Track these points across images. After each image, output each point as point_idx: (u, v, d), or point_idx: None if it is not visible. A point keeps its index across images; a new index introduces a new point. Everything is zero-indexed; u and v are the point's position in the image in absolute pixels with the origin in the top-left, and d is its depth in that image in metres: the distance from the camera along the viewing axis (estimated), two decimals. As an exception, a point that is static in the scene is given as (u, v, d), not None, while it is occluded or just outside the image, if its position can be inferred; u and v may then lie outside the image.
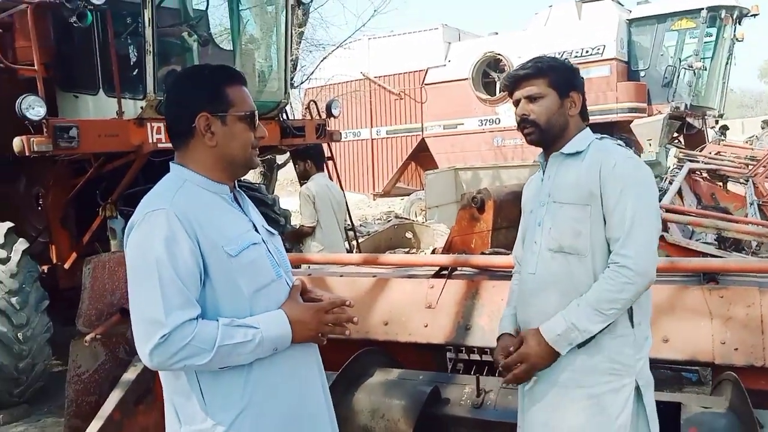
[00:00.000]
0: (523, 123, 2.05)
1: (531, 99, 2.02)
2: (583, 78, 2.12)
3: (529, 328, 2.02)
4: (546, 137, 2.05)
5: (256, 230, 1.75)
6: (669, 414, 2.28)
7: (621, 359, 1.91)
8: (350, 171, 17.07)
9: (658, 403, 2.35)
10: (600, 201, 1.92)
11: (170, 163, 1.73)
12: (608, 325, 1.89)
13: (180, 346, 1.53)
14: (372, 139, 16.93)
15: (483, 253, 3.28)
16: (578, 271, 1.93)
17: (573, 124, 2.05)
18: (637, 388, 1.93)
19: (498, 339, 2.17)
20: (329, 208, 5.23)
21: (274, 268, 1.73)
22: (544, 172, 2.10)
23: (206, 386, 1.63)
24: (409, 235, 9.68)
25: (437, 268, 3.14)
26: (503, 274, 2.99)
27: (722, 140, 13.42)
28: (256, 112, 1.74)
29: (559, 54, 13.78)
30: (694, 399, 2.39)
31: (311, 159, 5.30)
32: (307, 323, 1.70)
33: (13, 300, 4.52)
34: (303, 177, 5.33)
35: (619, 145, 2.05)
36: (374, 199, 17.90)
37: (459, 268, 3.11)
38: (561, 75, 2.04)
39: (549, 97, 2.01)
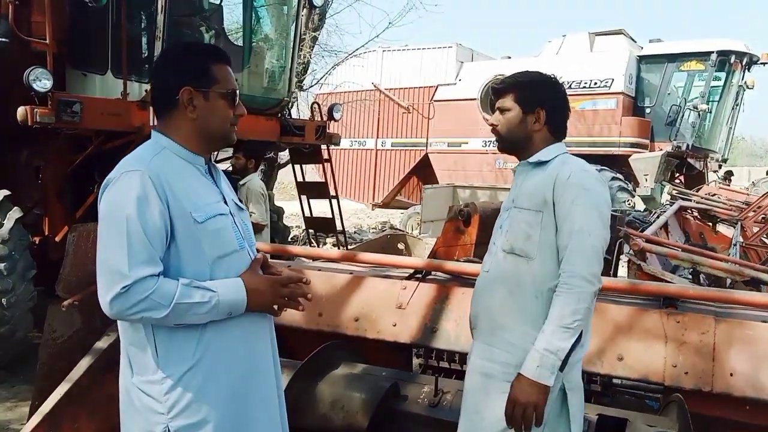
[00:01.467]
0: (493, 131, 2.22)
1: (501, 111, 2.18)
2: (559, 94, 2.20)
3: (476, 321, 2.17)
4: (507, 147, 2.20)
5: (226, 203, 1.85)
6: (614, 429, 2.36)
7: None
8: (351, 179, 17.18)
9: (605, 418, 2.44)
10: (552, 208, 2.02)
11: (152, 130, 1.83)
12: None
13: (139, 298, 1.62)
14: (377, 150, 17.05)
15: (456, 260, 3.35)
16: (524, 271, 2.04)
17: (539, 137, 2.15)
18: (563, 390, 2.02)
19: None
20: (268, 209, 5.62)
21: (237, 239, 1.83)
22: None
23: (160, 341, 1.72)
24: (401, 246, 9.72)
25: (412, 271, 3.22)
26: (473, 282, 3.06)
27: (720, 183, 13.50)
28: (238, 91, 1.84)
29: (568, 83, 13.94)
30: (641, 417, 2.45)
31: (255, 159, 5.49)
32: (263, 293, 1.79)
33: (1, 265, 4.60)
34: (240, 172, 5.48)
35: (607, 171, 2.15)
36: (372, 209, 17.99)
37: (433, 273, 3.19)
38: (528, 91, 2.15)
39: (513, 111, 2.14)
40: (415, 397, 2.74)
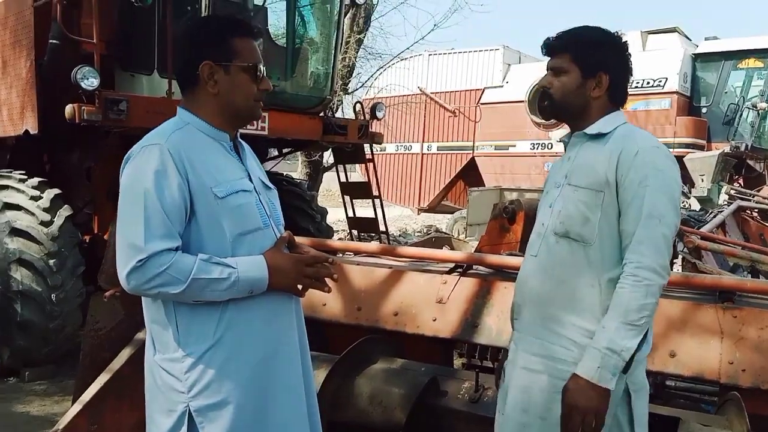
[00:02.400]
0: (542, 94, 1.96)
1: (555, 72, 1.91)
2: (623, 56, 1.93)
3: (521, 309, 1.97)
4: (559, 114, 1.97)
5: (251, 180, 1.81)
6: (666, 428, 2.23)
7: None
8: (397, 184, 17.17)
9: (656, 416, 2.31)
10: (615, 189, 1.80)
11: (177, 106, 1.81)
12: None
13: (155, 272, 1.59)
14: (422, 154, 16.99)
15: (498, 254, 3.26)
16: (580, 257, 1.83)
17: (596, 105, 1.90)
18: (627, 392, 1.84)
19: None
20: None
21: (262, 217, 1.78)
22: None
23: (182, 318, 1.69)
24: (446, 248, 9.64)
25: (453, 265, 3.15)
26: (515, 276, 2.98)
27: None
28: (262, 66, 1.80)
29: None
30: (694, 416, 2.32)
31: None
32: (286, 272, 1.74)
33: (51, 262, 4.72)
34: None
35: None
36: (418, 214, 17.93)
37: (474, 267, 3.11)
38: (588, 52, 1.88)
39: (571, 74, 1.88)
40: (455, 393, 2.66)
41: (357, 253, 3.62)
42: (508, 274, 3.02)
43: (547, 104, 1.95)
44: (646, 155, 1.78)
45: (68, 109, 4.46)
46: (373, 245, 3.58)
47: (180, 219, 1.65)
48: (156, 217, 1.61)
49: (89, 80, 4.36)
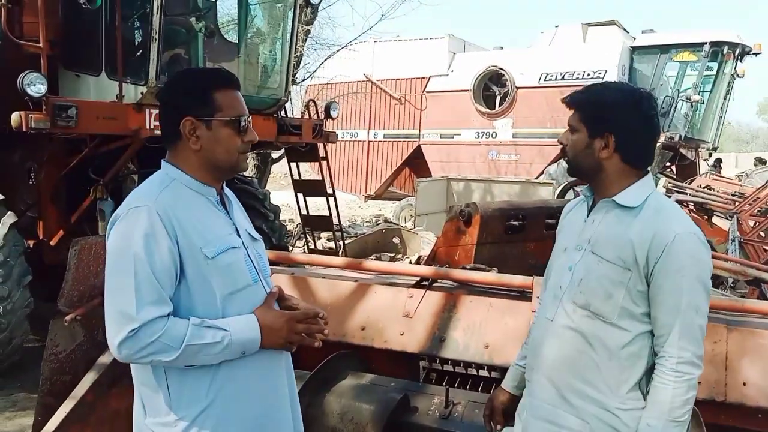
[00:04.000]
0: (561, 151, 2.00)
1: (570, 129, 1.90)
2: (638, 117, 1.84)
3: (533, 375, 1.94)
4: (576, 172, 1.93)
5: (239, 234, 1.79)
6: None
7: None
8: (344, 171, 17.12)
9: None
10: (644, 270, 1.75)
11: (162, 161, 1.77)
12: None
13: (148, 341, 1.57)
14: (369, 141, 16.98)
15: (464, 268, 3.32)
16: (598, 330, 1.80)
17: (611, 167, 1.84)
18: None
19: (495, 390, 2.17)
20: None
21: (251, 273, 1.77)
22: (588, 209, 1.93)
23: (173, 381, 1.67)
24: (396, 240, 9.72)
25: (418, 278, 3.19)
26: (481, 290, 3.05)
27: (713, 174, 13.57)
28: (246, 117, 1.76)
29: (560, 75, 13.92)
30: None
31: None
32: (278, 330, 1.73)
33: (-4, 272, 4.54)
34: None
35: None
36: (365, 201, 17.96)
37: (439, 280, 3.16)
38: (593, 111, 1.85)
39: (580, 132, 1.86)
40: (426, 409, 2.72)
41: (321, 266, 3.62)
42: (473, 287, 3.10)
43: (566, 161, 1.94)
44: (683, 243, 1.73)
45: (14, 117, 4.26)
46: (338, 259, 3.58)
47: (171, 283, 1.62)
48: (147, 284, 1.58)
49: (36, 86, 4.17)
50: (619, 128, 1.82)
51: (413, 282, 3.17)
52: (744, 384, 2.42)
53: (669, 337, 1.74)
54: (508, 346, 2.77)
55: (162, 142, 1.79)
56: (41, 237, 5.41)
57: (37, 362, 2.90)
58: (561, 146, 1.93)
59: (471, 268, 3.31)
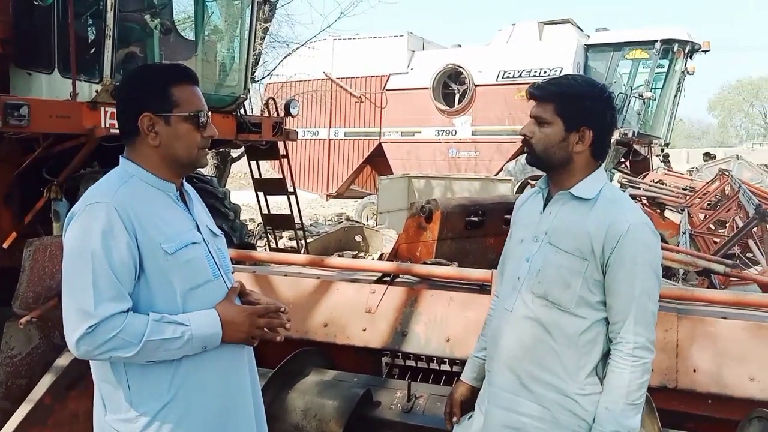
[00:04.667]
0: (524, 142, 1.92)
1: (538, 121, 1.88)
2: (609, 112, 1.89)
3: (493, 364, 1.98)
4: (542, 165, 1.92)
5: (199, 230, 1.79)
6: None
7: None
8: (305, 170, 17.05)
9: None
10: (600, 259, 1.80)
11: (120, 157, 1.76)
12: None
13: (107, 337, 1.56)
14: (329, 140, 16.94)
15: (425, 263, 3.36)
16: (556, 319, 1.84)
17: (580, 160, 1.87)
18: None
19: (454, 383, 2.20)
20: None
21: (212, 268, 1.77)
22: (544, 199, 1.96)
23: (133, 377, 1.66)
24: (358, 238, 9.74)
25: (380, 274, 3.22)
26: (442, 284, 3.09)
27: (663, 169, 13.95)
28: (205, 112, 1.76)
29: (518, 72, 14.12)
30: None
31: None
32: (239, 325, 1.74)
33: (-54, 277, 4.39)
34: None
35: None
36: (327, 200, 17.93)
37: (401, 276, 3.19)
38: (572, 105, 1.84)
39: (554, 125, 1.85)
40: (388, 403, 2.75)
41: (283, 264, 3.62)
42: (434, 282, 3.14)
43: (528, 152, 1.92)
44: (637, 233, 1.79)
45: (-37, 115, 4.14)
46: (300, 257, 3.59)
47: (130, 279, 1.62)
48: (105, 280, 1.57)
49: (-13, 86, 4.07)
50: (596, 123, 1.86)
51: (375, 278, 3.20)
52: (694, 371, 2.50)
53: (624, 324, 1.80)
54: (470, 339, 2.80)
55: (120, 138, 1.77)
56: (-7, 239, 5.25)
57: (-8, 367, 2.83)
58: (524, 138, 1.92)
59: (432, 263, 3.35)
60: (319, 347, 3.07)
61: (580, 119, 1.85)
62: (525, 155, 2.01)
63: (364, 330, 3.03)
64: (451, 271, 3.11)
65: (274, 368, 2.82)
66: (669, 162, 16.14)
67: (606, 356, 1.87)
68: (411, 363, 3.31)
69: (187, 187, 1.86)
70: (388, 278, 3.16)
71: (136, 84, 1.76)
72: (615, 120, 1.94)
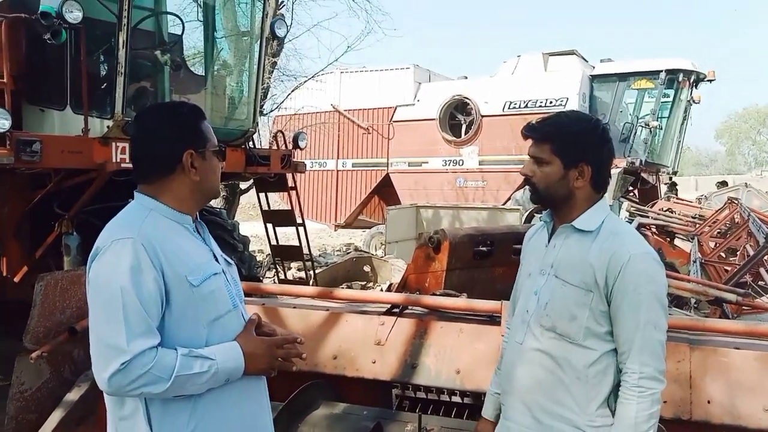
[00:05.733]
0: (526, 181, 1.97)
1: (537, 161, 1.92)
2: (605, 146, 1.94)
3: (507, 398, 1.99)
4: (545, 202, 1.97)
5: (216, 260, 1.82)
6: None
7: None
8: (313, 200, 17.13)
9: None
10: (604, 290, 1.82)
11: (135, 192, 1.78)
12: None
13: (139, 373, 1.57)
14: (337, 171, 17.04)
15: (434, 294, 3.36)
16: (566, 351, 1.86)
17: (581, 194, 1.91)
18: None
19: (478, 422, 2.20)
20: None
21: (231, 298, 1.80)
22: (549, 234, 1.99)
23: (153, 412, 1.66)
24: (367, 268, 9.74)
25: (389, 306, 3.21)
26: (451, 315, 3.08)
27: (671, 197, 13.90)
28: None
29: (524, 103, 14.22)
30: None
31: None
32: (260, 356, 1.76)
33: (-43, 310, 4.42)
34: None
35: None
36: (335, 230, 17.95)
37: (410, 307, 3.18)
38: (569, 143, 1.89)
39: (552, 165, 1.89)
40: (399, 437, 2.72)
41: (292, 296, 3.62)
42: (444, 313, 3.13)
43: (531, 191, 1.97)
44: (638, 262, 1.80)
45: (-23, 153, 4.21)
46: (309, 289, 3.58)
47: (158, 314, 1.64)
48: (136, 315, 1.59)
49: (0, 122, 4.13)
50: (593, 157, 1.90)
51: (384, 310, 3.20)
52: (708, 402, 2.47)
53: (630, 353, 1.80)
54: (479, 371, 2.80)
55: (140, 175, 1.80)
56: (4, 273, 5.28)
57: (2, 401, 2.83)
58: (524, 177, 1.96)
59: (441, 294, 3.35)
60: (329, 380, 3.05)
61: (577, 156, 1.89)
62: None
63: (374, 362, 3.02)
64: (460, 302, 3.10)
65: (283, 401, 2.80)
66: (676, 190, 16.12)
67: (617, 388, 1.86)
68: (422, 395, 3.29)
69: (200, 222, 1.89)
70: (397, 310, 3.16)
71: (172, 124, 1.80)
72: (612, 151, 1.97)
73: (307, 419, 2.83)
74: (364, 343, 3.07)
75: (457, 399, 2.88)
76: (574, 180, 1.89)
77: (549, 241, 1.98)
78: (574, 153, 1.89)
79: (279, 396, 2.82)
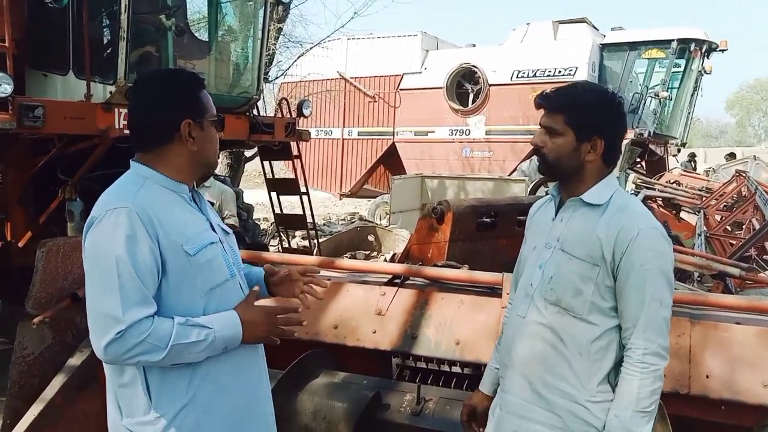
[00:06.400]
0: (535, 152, 1.93)
1: (549, 132, 1.87)
2: (620, 120, 1.91)
3: (507, 371, 1.98)
4: (554, 174, 1.93)
5: (213, 230, 1.80)
6: None
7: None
8: (319, 169, 17.10)
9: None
10: (610, 265, 1.80)
11: (131, 161, 1.77)
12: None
13: (135, 342, 1.57)
14: (343, 139, 16.98)
15: (435, 265, 3.35)
16: (569, 326, 1.84)
17: (591, 168, 1.87)
18: None
19: (473, 394, 2.19)
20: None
21: (228, 267, 1.79)
22: (556, 207, 1.96)
23: (152, 380, 1.67)
24: (371, 238, 9.74)
25: (391, 276, 3.21)
26: (452, 287, 3.08)
27: (687, 169, 13.77)
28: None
29: (532, 72, 14.04)
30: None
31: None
32: (259, 324, 1.76)
33: (-38, 275, 4.45)
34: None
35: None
36: (340, 199, 17.95)
37: (411, 278, 3.18)
38: (583, 115, 1.84)
39: (565, 136, 1.85)
40: (398, 406, 2.74)
41: (294, 265, 3.62)
42: (445, 284, 3.12)
43: (540, 161, 1.93)
44: (646, 238, 1.78)
45: (-22, 117, 4.19)
46: (311, 258, 3.58)
47: (154, 283, 1.63)
48: (131, 285, 1.58)
49: (2, 87, 4.10)
50: (607, 131, 1.86)
51: (386, 280, 3.19)
52: (707, 376, 2.47)
53: (635, 330, 1.79)
54: (479, 343, 2.80)
55: (138, 144, 1.78)
56: (9, 239, 5.31)
57: (5, 366, 2.86)
58: (535, 147, 1.92)
59: (442, 265, 3.34)
60: (329, 349, 3.06)
61: (591, 129, 1.85)
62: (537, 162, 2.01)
63: (374, 332, 3.02)
64: (462, 273, 3.09)
65: (283, 370, 2.82)
66: (695, 162, 15.94)
67: (619, 364, 1.85)
68: (422, 365, 3.31)
69: (197, 191, 1.87)
70: (398, 280, 3.15)
71: (171, 92, 1.77)
72: (625, 126, 1.95)
73: (306, 387, 2.85)
74: (365, 313, 3.07)
75: (457, 369, 2.90)
76: (585, 153, 1.85)
77: (556, 215, 1.94)
78: (588, 126, 1.84)
79: (279, 364, 2.84)
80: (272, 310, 1.80)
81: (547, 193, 2.08)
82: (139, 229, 1.61)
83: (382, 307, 3.07)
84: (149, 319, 1.60)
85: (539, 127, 1.92)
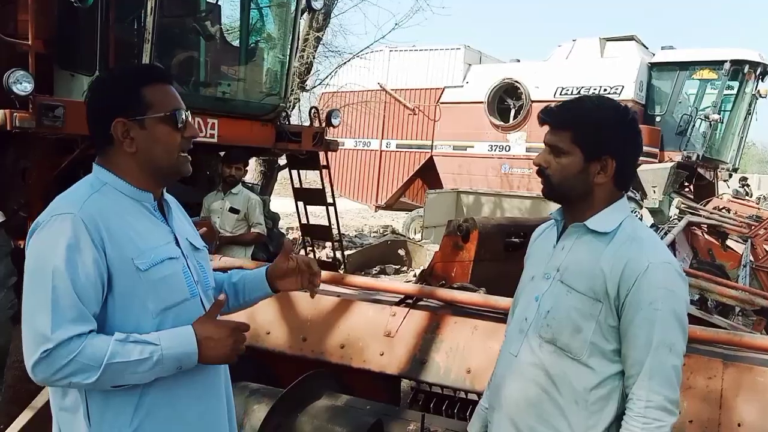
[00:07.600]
0: (538, 173, 1.75)
1: (554, 150, 1.69)
2: (634, 138, 1.71)
3: (494, 415, 1.79)
4: (558, 198, 1.74)
5: (178, 244, 1.65)
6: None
7: None
8: (355, 180, 17.06)
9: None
10: (615, 302, 1.60)
11: (93, 164, 1.65)
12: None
13: (63, 362, 1.43)
14: (381, 151, 16.90)
15: (451, 287, 3.18)
16: (565, 369, 1.64)
17: (600, 192, 1.68)
18: None
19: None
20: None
21: (189, 286, 1.63)
22: (558, 233, 1.78)
23: (94, 405, 1.53)
24: (401, 252, 9.61)
25: (402, 296, 3.06)
26: (467, 311, 2.92)
27: (732, 198, 13.24)
28: (183, 111, 1.63)
29: (577, 89, 13.74)
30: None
31: (246, 166, 5.33)
32: (220, 340, 1.57)
33: (-20, 273, 4.45)
34: (232, 182, 5.26)
35: (652, 226, 1.74)
36: (375, 211, 17.86)
37: (425, 299, 3.03)
38: (592, 132, 1.65)
39: (572, 155, 1.66)
40: (400, 436, 2.58)
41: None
42: (459, 308, 2.96)
43: (544, 183, 1.74)
44: (657, 273, 1.57)
45: (-1, 115, 4.20)
46: (323, 273, 3.44)
47: (96, 298, 1.48)
48: (65, 299, 1.44)
49: (22, 84, 4.09)
50: (619, 151, 1.67)
51: (397, 300, 3.04)
52: (739, 425, 2.25)
53: (639, 378, 1.58)
54: (491, 372, 2.62)
55: (93, 147, 1.66)
56: (31, 237, 5.32)
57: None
58: (538, 168, 1.74)
59: (457, 288, 3.17)
60: (334, 369, 2.94)
61: (601, 148, 1.65)
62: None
63: (382, 354, 2.89)
64: (478, 297, 2.93)
65: (284, 388, 2.70)
66: (748, 185, 15.36)
67: (621, 417, 1.63)
68: (437, 389, 3.15)
69: (167, 196, 1.73)
70: (410, 301, 3.00)
71: (105, 88, 1.65)
72: (640, 146, 1.74)
73: (307, 409, 2.73)
74: (373, 333, 2.95)
75: (473, 396, 2.74)
76: (594, 174, 1.66)
77: (557, 242, 1.75)
78: (597, 143, 1.65)
79: (282, 381, 2.72)
80: (239, 326, 1.62)
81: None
82: (83, 237, 1.47)
83: (392, 328, 2.93)
84: (82, 336, 1.45)
85: (544, 146, 1.73)
